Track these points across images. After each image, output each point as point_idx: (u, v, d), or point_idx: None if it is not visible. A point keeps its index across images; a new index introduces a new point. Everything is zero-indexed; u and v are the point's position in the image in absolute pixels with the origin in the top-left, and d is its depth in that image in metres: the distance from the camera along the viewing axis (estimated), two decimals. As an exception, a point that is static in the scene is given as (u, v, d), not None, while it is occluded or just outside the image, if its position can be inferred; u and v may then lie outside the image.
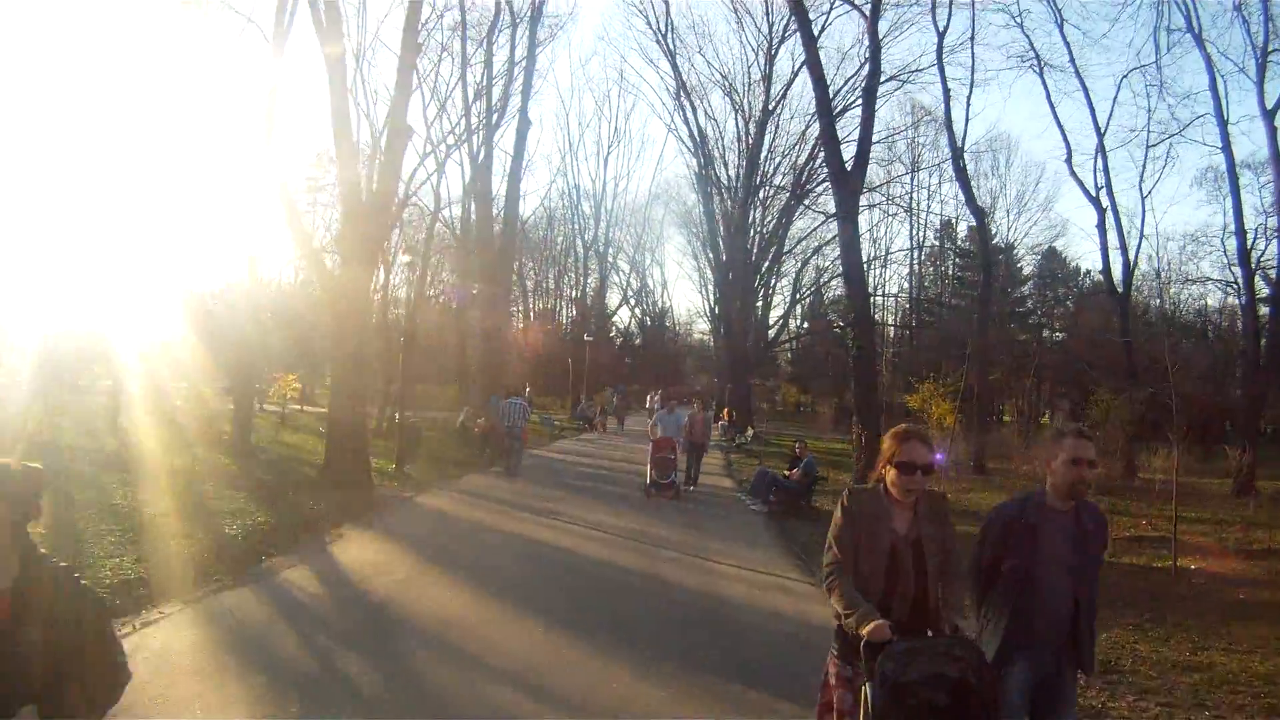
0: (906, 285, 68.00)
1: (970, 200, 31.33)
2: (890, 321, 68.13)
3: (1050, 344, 59.83)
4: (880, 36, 24.22)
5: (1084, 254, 73.71)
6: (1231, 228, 32.18)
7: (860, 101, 26.03)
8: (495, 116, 31.90)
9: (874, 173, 53.68)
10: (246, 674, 6.01)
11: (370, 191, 18.67)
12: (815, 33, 23.77)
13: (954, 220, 62.03)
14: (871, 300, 63.05)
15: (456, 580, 9.24)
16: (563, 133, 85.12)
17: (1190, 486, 20.95)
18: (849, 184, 21.72)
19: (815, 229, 48.71)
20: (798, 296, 54.27)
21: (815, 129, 39.03)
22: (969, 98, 32.14)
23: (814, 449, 18.94)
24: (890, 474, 3.79)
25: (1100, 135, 31.87)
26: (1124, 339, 33.40)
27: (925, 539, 3.78)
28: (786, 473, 17.57)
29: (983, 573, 4.18)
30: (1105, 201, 32.61)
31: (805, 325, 63.54)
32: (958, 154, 30.97)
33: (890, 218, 58.91)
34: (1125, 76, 53.53)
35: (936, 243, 65.01)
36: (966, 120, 33.58)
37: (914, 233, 61.71)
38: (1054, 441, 4.17)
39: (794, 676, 6.46)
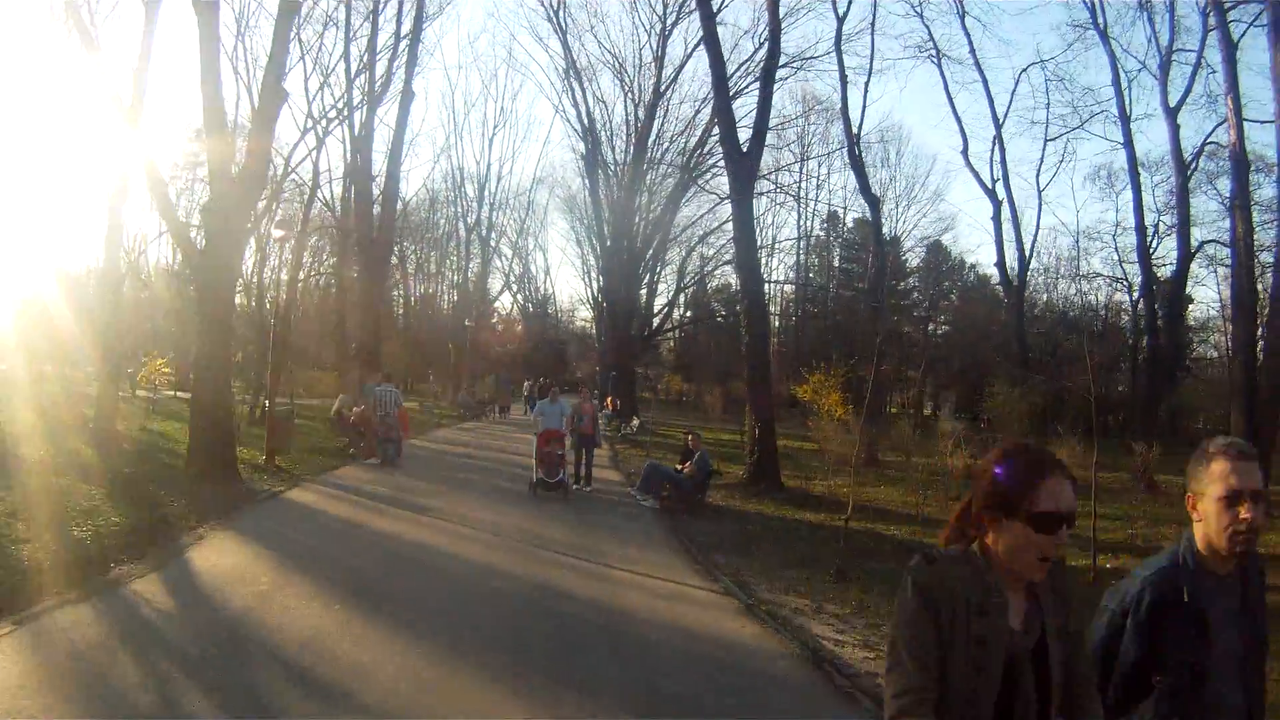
0: (792, 275, 69.06)
1: (865, 189, 31.51)
2: (776, 311, 69.02)
3: (935, 337, 61.40)
4: (780, 18, 23.94)
5: (972, 248, 75.51)
6: (1127, 223, 33.28)
7: (756, 86, 25.78)
8: (379, 88, 30.65)
9: (764, 159, 54.28)
10: (73, 716, 5.23)
11: (242, 157, 17.50)
12: (714, 7, 23.25)
13: (842, 210, 62.96)
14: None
15: (323, 591, 8.41)
16: (448, 112, 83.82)
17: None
18: (745, 164, 21.40)
19: (701, 216, 48.89)
20: (682, 284, 54.03)
21: (706, 114, 39.18)
22: (867, 85, 32.90)
23: (704, 440, 18.47)
24: (1009, 534, 2.22)
25: (999, 127, 32.54)
26: (1018, 331, 34.19)
27: (1052, 640, 2.28)
28: (679, 466, 17.12)
29: (1124, 681, 2.81)
30: (1001, 194, 33.32)
31: (688, 314, 63.52)
32: (853, 142, 31.09)
33: (778, 206, 59.14)
34: (1025, 70, 55.26)
35: (822, 233, 65.75)
36: (863, 108, 33.93)
37: (801, 221, 62.13)
38: (1200, 465, 2.75)
39: (721, 710, 5.98)
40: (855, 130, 31.08)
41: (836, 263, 67.04)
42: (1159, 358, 30.29)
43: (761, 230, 60.35)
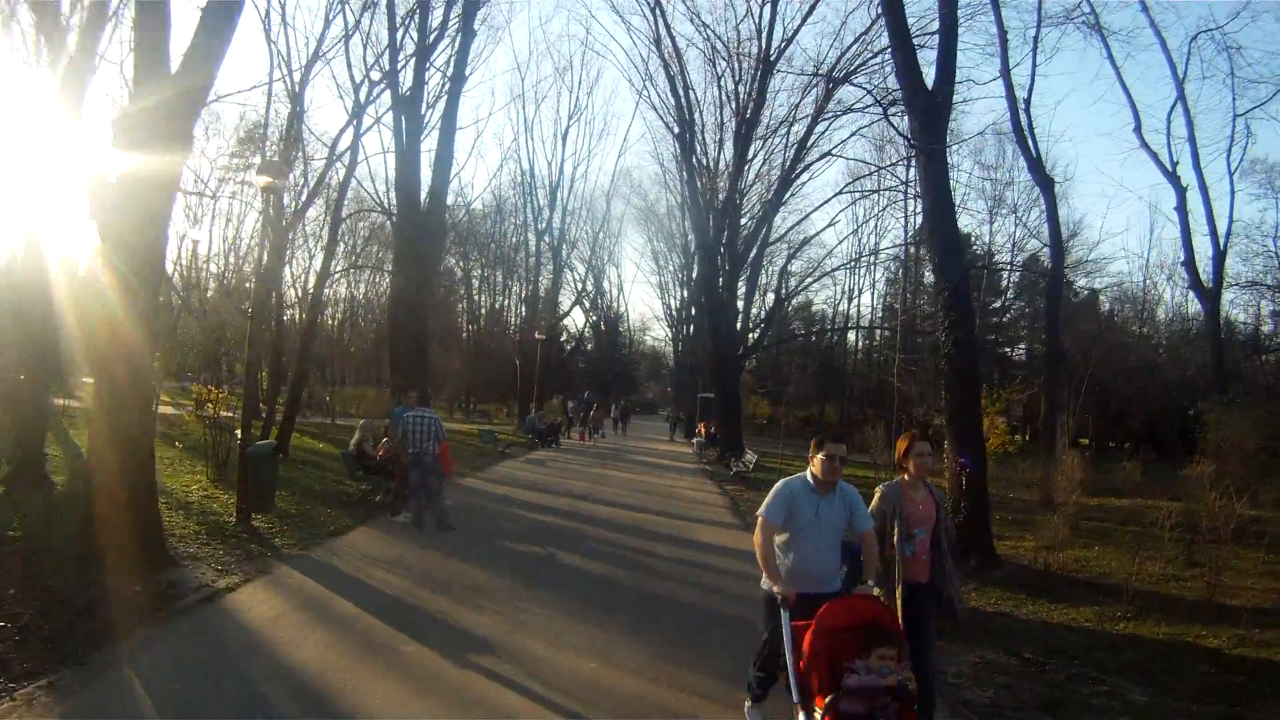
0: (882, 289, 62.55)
1: (1035, 165, 24.42)
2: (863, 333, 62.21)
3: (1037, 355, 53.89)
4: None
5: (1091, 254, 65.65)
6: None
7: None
8: (432, 35, 24.37)
9: (863, 153, 47.41)
10: None
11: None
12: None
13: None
14: (859, 301, 56.53)
15: None
16: (517, 110, 77.36)
17: None
18: (932, 103, 14.66)
19: (799, 224, 42.89)
20: (784, 293, 47.18)
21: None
22: (1035, 39, 25.02)
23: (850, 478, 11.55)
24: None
25: (1180, 90, 25.70)
26: (1215, 344, 27.14)
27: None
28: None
29: None
30: (1189, 178, 26.45)
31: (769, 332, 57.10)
32: (1018, 109, 24.19)
33: (882, 210, 52.37)
34: (1194, 39, 47.56)
35: (913, 245, 58.27)
36: (1033, 67, 26.17)
37: (908, 227, 55.07)
38: None
39: None
40: (1025, 95, 24.30)
41: (929, 278, 59.22)
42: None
43: (859, 241, 53.96)
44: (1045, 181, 25.09)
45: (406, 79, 24.20)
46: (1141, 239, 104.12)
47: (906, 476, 6.26)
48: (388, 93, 24.16)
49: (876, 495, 6.30)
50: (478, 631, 7.76)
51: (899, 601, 5.95)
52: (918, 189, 37.83)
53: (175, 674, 6.18)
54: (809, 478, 5.73)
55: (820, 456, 5.63)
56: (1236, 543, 12.64)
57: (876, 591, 5.72)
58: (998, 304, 56.76)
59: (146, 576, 8.46)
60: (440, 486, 13.31)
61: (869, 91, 25.46)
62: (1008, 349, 58.62)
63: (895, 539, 6.06)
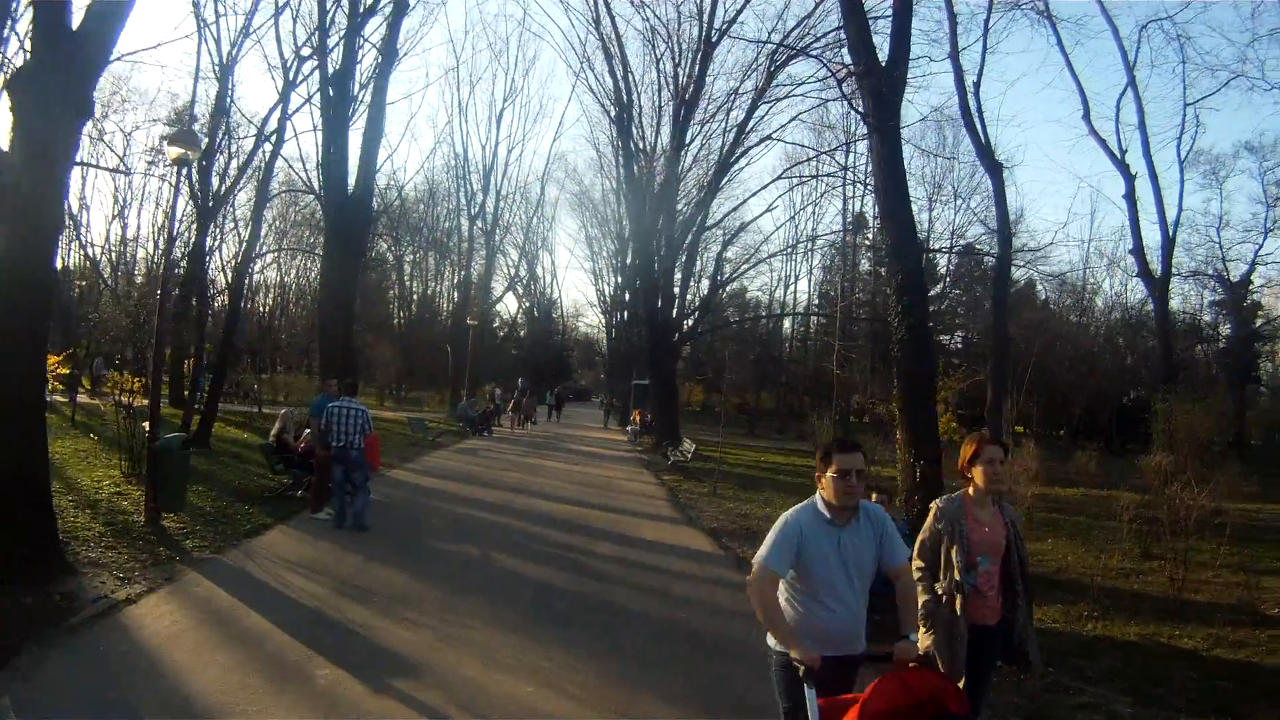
0: (818, 277, 62.61)
1: (984, 151, 24.18)
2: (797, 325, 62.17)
3: (977, 346, 54.23)
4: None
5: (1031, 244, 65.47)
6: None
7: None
8: (363, 7, 23.27)
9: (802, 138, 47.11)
10: None
11: None
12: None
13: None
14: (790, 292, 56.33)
15: None
16: (451, 91, 76.15)
17: None
18: (891, 75, 14.17)
19: (735, 209, 42.12)
20: (720, 279, 46.76)
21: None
22: (986, 22, 24.72)
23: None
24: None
25: (1131, 75, 25.79)
26: (1162, 334, 27.30)
27: None
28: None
29: None
30: (1137, 167, 26.57)
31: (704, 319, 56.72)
32: (966, 93, 23.94)
33: (820, 196, 52.09)
34: (1144, 27, 47.83)
35: (850, 230, 58.05)
36: (983, 53, 25.75)
37: (846, 213, 54.94)
38: None
39: None
40: (976, 77, 24.05)
41: (866, 266, 59.16)
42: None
43: (796, 228, 53.77)
44: (994, 166, 24.90)
45: (338, 57, 23.26)
46: (1083, 228, 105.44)
47: (971, 490, 5.03)
48: (319, 72, 23.21)
49: (931, 512, 5.09)
50: (402, 650, 7.05)
51: (959, 659, 4.80)
52: (867, 172, 37.83)
53: (58, 705, 5.45)
54: (819, 505, 4.21)
55: (830, 475, 4.13)
56: (1199, 535, 12.45)
57: (922, 645, 4.57)
58: (935, 291, 56.79)
59: (38, 588, 7.68)
60: (365, 483, 12.56)
61: (824, 63, 24.83)
62: (944, 337, 58.81)
63: (954, 569, 4.92)
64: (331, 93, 22.80)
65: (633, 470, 24.95)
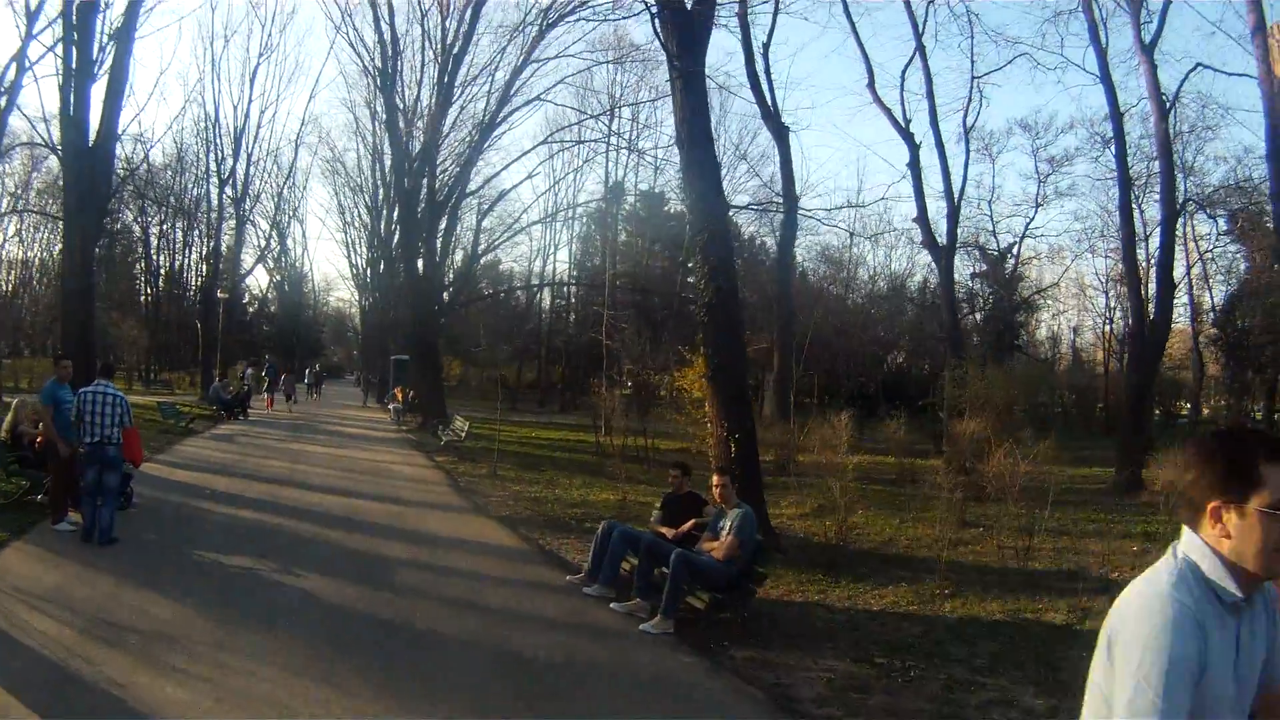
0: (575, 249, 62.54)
1: (770, 114, 24.40)
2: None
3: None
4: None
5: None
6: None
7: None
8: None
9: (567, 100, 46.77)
10: None
11: None
12: None
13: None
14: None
15: None
16: (204, 46, 70.39)
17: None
18: (698, 10, 13.71)
19: (497, 175, 41.41)
20: (479, 250, 45.53)
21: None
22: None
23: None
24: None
25: (920, 41, 26.66)
26: (949, 301, 28.50)
27: None
28: (661, 530, 9.29)
29: None
30: (922, 135, 27.55)
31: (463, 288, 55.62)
32: (753, 54, 24.14)
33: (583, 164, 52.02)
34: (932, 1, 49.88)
35: (604, 202, 58.05)
36: (775, 12, 25.73)
37: (608, 180, 54.97)
38: None
39: None
40: (766, 39, 24.26)
41: (623, 237, 59.31)
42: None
43: (555, 194, 53.42)
44: (780, 130, 25.08)
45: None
46: (850, 196, 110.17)
47: None
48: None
49: None
50: (169, 715, 5.50)
51: None
52: (630, 138, 37.59)
53: None
54: (1209, 574, 2.09)
55: (1259, 509, 2.01)
56: (1017, 502, 12.76)
57: None
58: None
59: None
60: (123, 486, 10.84)
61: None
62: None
63: None
64: (76, 36, 20.42)
65: (404, 453, 23.67)
